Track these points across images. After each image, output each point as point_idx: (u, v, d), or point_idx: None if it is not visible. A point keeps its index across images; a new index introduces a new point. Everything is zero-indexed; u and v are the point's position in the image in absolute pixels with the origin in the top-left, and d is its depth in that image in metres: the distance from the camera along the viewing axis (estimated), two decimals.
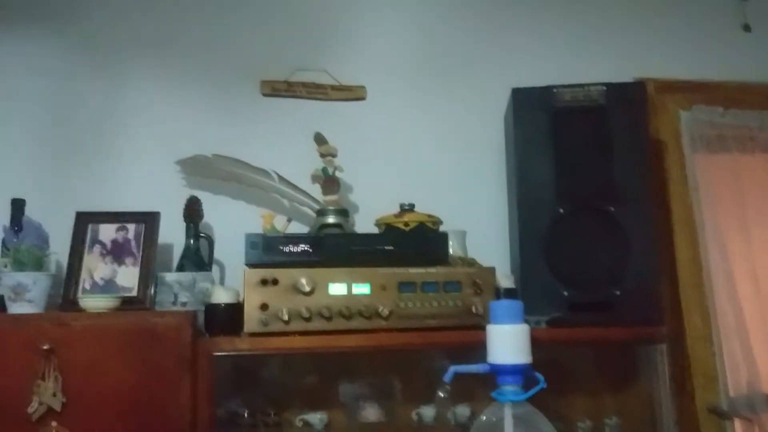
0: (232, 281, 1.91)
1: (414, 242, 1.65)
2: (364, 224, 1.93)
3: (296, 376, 1.83)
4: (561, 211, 1.74)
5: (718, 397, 2.01)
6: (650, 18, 2.33)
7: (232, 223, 1.95)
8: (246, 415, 1.73)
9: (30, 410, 1.36)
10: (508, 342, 1.41)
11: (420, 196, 1.95)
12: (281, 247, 1.59)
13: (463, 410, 1.81)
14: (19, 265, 1.61)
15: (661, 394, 1.76)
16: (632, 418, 1.85)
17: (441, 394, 1.79)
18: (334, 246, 1.62)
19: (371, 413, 1.81)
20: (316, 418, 1.76)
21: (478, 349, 1.50)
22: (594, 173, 1.75)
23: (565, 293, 1.70)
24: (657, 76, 2.25)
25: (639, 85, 1.88)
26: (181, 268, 1.78)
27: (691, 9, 2.36)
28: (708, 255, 2.11)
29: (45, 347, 1.37)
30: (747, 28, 2.37)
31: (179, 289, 1.73)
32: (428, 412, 1.81)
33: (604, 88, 1.79)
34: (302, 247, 1.60)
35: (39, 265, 1.63)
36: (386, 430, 1.79)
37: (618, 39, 2.29)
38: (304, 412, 1.77)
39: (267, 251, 1.59)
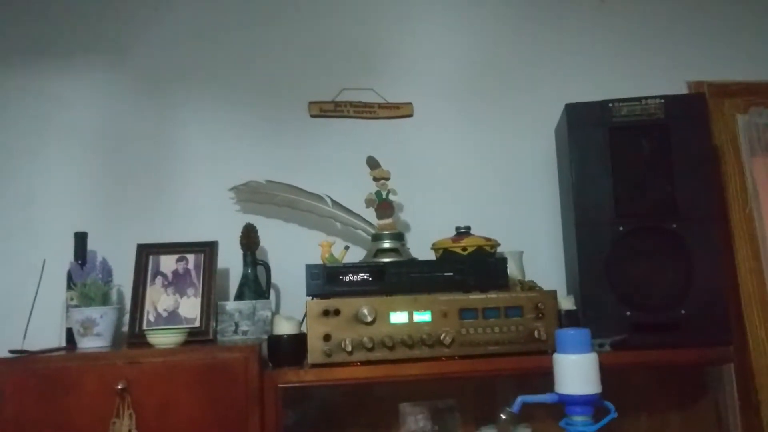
0: (289, 305, 1.94)
1: (473, 267, 1.63)
2: (417, 244, 1.91)
3: (356, 397, 1.84)
4: (621, 229, 1.71)
5: None
6: (701, 21, 2.26)
7: (286, 247, 1.99)
8: None
9: None
10: (576, 372, 1.39)
11: (471, 213, 1.96)
12: (341, 277, 1.60)
13: (524, 431, 1.80)
14: (87, 300, 1.66)
15: (729, 414, 1.73)
16: None
17: (503, 417, 1.80)
18: (394, 274, 1.61)
19: None
20: None
21: (542, 375, 1.49)
22: (654, 190, 1.71)
23: (628, 314, 1.67)
24: (711, 79, 2.19)
25: (699, 97, 1.83)
26: (240, 296, 1.80)
27: (741, 9, 2.28)
28: None
29: (119, 386, 1.40)
30: None
31: (240, 318, 1.75)
32: None
33: (662, 100, 1.75)
34: (362, 276, 1.60)
35: (105, 299, 1.68)
36: None
37: (669, 43, 2.22)
38: None
39: (328, 282, 1.59)
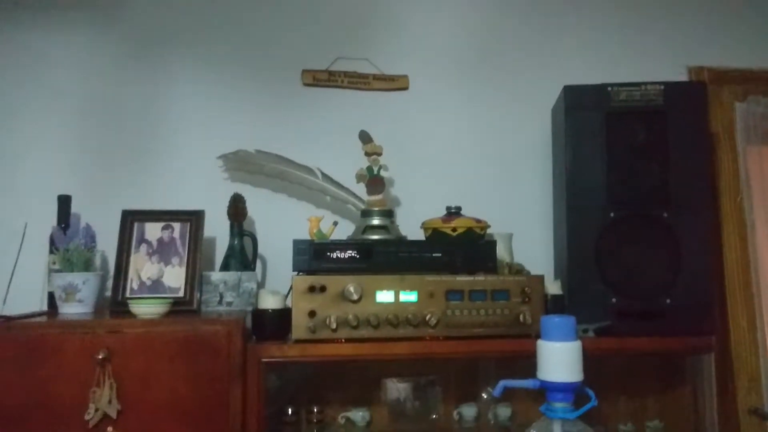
0: (274, 278, 1.93)
1: (462, 249, 1.62)
2: (407, 222, 1.88)
3: (339, 373, 1.85)
4: (612, 215, 1.69)
5: (761, 398, 1.99)
6: (704, 5, 2.21)
7: (274, 219, 1.96)
8: (290, 412, 1.76)
9: (87, 417, 1.38)
10: (560, 360, 1.38)
11: (463, 192, 1.94)
12: (329, 254, 1.58)
13: (504, 410, 1.82)
14: (69, 265, 1.63)
15: (707, 401, 1.75)
16: (674, 421, 1.85)
17: (484, 395, 1.81)
18: (382, 253, 1.60)
19: (412, 411, 1.83)
20: (358, 415, 1.78)
21: (525, 358, 1.49)
22: (648, 177, 1.69)
23: (614, 300, 1.67)
24: (712, 65, 2.15)
25: (699, 85, 1.80)
26: (226, 267, 1.78)
27: None
28: (757, 254, 2.06)
29: (100, 356, 1.39)
30: None
31: (224, 289, 1.73)
32: (469, 411, 1.82)
33: (662, 86, 1.72)
34: (350, 253, 1.59)
35: (88, 265, 1.65)
36: (427, 428, 1.80)
37: (671, 27, 2.18)
38: (347, 410, 1.79)
39: (315, 258, 1.57)
